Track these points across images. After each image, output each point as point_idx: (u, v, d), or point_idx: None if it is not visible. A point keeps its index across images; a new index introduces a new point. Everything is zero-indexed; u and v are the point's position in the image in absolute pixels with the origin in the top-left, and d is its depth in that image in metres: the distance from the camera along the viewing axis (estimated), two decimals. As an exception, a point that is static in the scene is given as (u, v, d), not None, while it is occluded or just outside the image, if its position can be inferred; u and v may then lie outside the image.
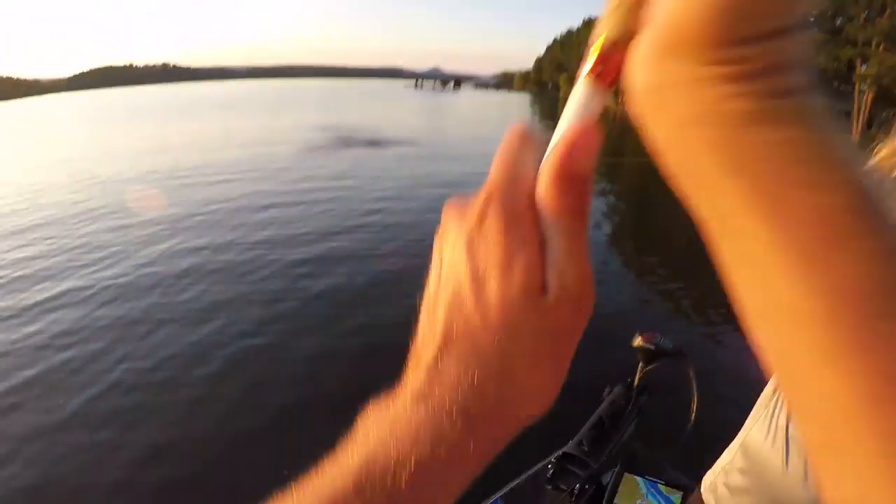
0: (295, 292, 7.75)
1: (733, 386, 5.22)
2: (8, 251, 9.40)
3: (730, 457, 1.44)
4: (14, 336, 6.51)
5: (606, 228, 12.40)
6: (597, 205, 13.63)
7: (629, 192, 17.11)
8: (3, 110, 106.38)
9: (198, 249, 9.38)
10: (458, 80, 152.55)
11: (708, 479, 1.50)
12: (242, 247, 9.51)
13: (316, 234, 10.26)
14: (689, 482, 2.62)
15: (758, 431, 1.34)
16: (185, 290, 7.72)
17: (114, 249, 9.33)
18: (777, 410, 1.28)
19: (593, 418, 2.91)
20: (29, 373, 5.73)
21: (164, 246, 9.60)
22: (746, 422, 1.40)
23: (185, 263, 8.71)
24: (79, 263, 8.84)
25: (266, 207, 12.24)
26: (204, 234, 10.22)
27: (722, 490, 1.45)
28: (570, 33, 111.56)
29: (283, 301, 7.40)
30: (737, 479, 1.41)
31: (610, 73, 0.34)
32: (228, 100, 79.77)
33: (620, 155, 21.07)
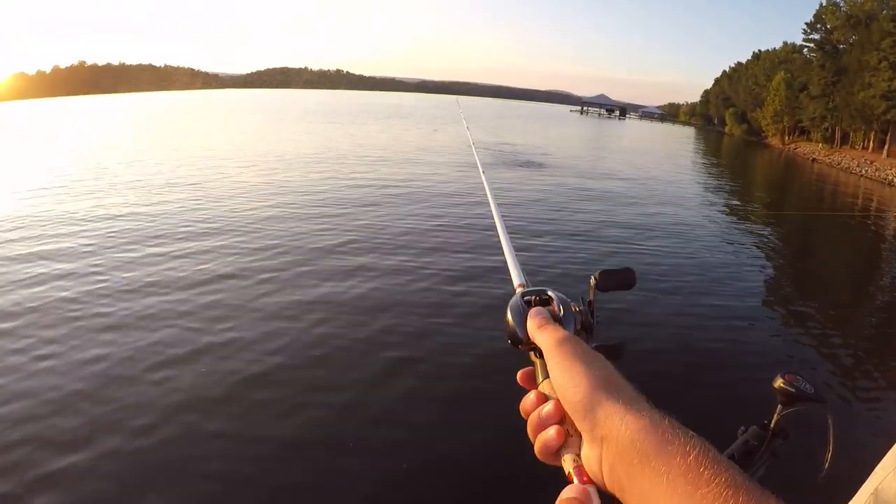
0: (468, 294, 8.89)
1: (870, 438, 5.53)
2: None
3: None
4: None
5: (764, 272, 12.78)
6: (756, 250, 14.32)
7: (788, 241, 17.14)
8: (185, 98, 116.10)
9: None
10: (624, 110, 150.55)
11: None
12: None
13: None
14: None
15: (893, 480, 1.10)
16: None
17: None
18: None
19: (725, 455, 3.60)
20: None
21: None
22: (877, 468, 1.16)
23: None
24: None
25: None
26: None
27: None
28: (738, 66, 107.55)
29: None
30: None
31: None
32: (400, 110, 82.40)
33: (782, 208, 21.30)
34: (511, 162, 27.36)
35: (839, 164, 50.17)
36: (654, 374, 6.66)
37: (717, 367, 7.37)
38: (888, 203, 29.14)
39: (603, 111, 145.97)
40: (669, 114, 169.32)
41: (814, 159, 56.66)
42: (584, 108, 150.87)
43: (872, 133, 52.82)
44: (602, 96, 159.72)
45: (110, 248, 10.58)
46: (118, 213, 13.33)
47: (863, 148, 54.92)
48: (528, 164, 27.08)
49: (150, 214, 13.31)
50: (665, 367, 7.09)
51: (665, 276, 10.80)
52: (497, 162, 26.43)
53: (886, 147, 48.10)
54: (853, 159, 49.13)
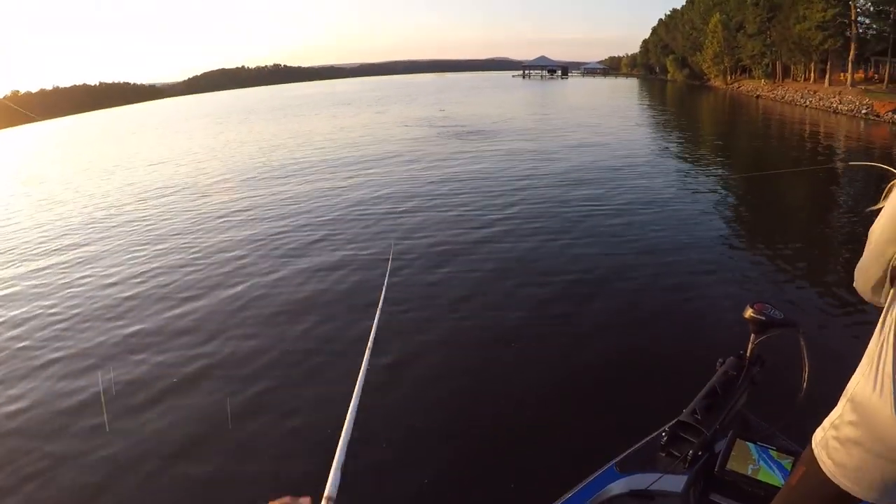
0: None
1: (843, 357, 6.56)
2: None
3: (839, 411, 1.52)
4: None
5: (725, 212, 13.04)
6: (713, 193, 14.75)
7: (746, 182, 17.40)
8: (131, 111, 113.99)
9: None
10: (566, 69, 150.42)
11: (818, 436, 1.59)
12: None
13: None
14: (799, 449, 2.62)
15: (865, 384, 1.41)
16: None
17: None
18: (882, 363, 1.36)
19: (706, 388, 3.09)
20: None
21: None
22: (853, 377, 1.49)
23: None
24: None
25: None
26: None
27: (833, 444, 1.51)
28: (674, 12, 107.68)
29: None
30: (847, 432, 1.47)
31: None
32: (342, 97, 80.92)
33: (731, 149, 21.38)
34: (459, 134, 26.86)
35: (783, 97, 50.42)
36: (630, 318, 6.94)
37: (690, 304, 7.46)
38: (835, 131, 29.29)
39: (545, 73, 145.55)
40: (611, 68, 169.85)
41: (758, 96, 56.87)
42: (526, 72, 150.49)
43: (812, 64, 53.11)
44: (542, 58, 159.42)
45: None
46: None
47: (805, 79, 55.21)
48: (479, 134, 26.69)
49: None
50: (639, 309, 7.26)
51: (631, 225, 10.98)
52: (446, 135, 25.95)
53: (828, 76, 48.42)
54: (797, 91, 49.39)
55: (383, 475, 4.33)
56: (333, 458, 0.99)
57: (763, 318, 3.03)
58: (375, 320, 1.80)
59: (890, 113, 30.66)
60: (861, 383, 1.44)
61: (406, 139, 25.58)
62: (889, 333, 1.38)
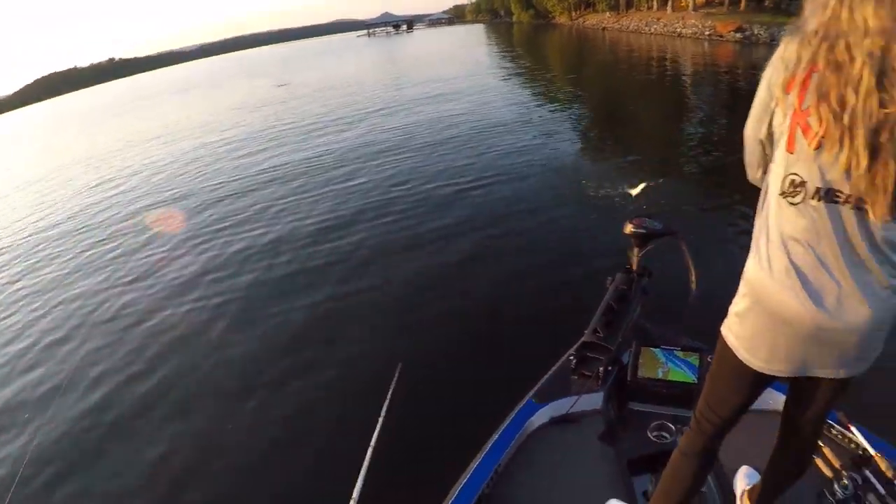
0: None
1: (727, 251, 6.06)
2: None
3: (738, 293, 1.69)
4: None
5: (589, 138, 13.61)
6: (571, 128, 14.74)
7: (601, 107, 17.64)
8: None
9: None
10: (411, 22, 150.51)
11: (725, 321, 1.75)
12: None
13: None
14: (701, 345, 2.88)
15: (752, 262, 1.61)
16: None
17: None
18: (763, 240, 1.57)
19: (602, 306, 3.22)
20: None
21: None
22: (747, 260, 1.65)
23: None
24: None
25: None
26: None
27: (733, 320, 1.69)
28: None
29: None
30: (741, 306, 1.66)
31: None
32: (182, 84, 77.01)
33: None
34: (309, 111, 24.86)
35: (628, 27, 51.75)
36: (520, 261, 6.91)
37: (573, 234, 7.56)
38: (681, 53, 29.89)
39: (390, 28, 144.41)
40: (456, 16, 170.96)
41: (604, 28, 58.22)
42: (371, 30, 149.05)
43: (654, -8, 54.65)
44: (386, 14, 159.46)
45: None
46: None
47: (648, 8, 56.74)
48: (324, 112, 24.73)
49: None
50: (527, 252, 7.23)
51: (501, 177, 10.52)
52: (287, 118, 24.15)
53: (670, 3, 49.89)
54: (641, 20, 50.75)
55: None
56: None
57: (643, 230, 3.24)
58: None
59: (732, 32, 31.79)
60: (750, 262, 1.62)
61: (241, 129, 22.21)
62: (765, 213, 1.57)
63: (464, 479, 2.46)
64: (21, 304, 8.27)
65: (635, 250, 3.38)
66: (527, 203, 8.85)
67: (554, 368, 3.06)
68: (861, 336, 1.52)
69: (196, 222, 10.33)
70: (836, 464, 2.39)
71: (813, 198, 1.45)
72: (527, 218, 8.26)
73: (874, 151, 1.32)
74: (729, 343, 1.70)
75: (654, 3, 55.13)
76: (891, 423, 3.09)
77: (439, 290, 6.57)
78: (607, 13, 65.15)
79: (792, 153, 1.46)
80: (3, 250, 11.33)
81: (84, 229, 11.48)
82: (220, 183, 12.81)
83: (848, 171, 1.37)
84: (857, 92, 1.31)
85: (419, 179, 10.65)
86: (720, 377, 1.84)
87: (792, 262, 1.52)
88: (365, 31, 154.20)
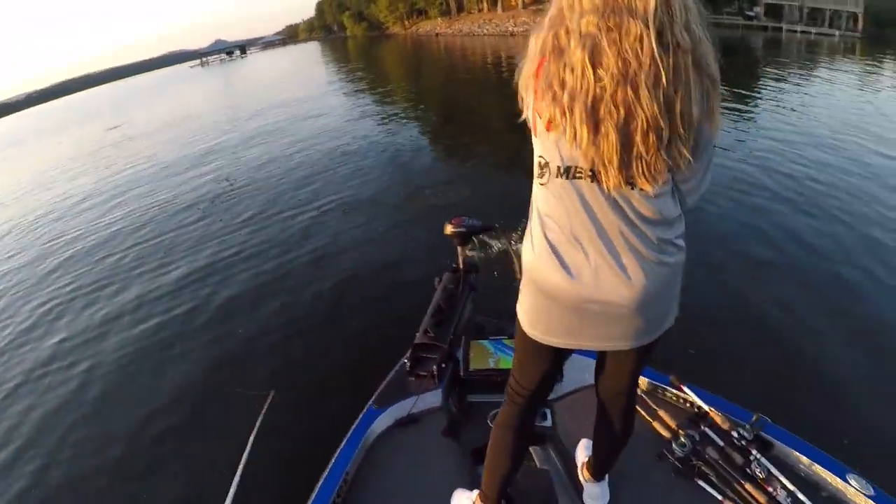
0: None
1: None
2: None
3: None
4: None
5: (420, 139, 13.98)
6: (415, 130, 15.06)
7: (442, 110, 18.10)
8: None
9: None
10: (244, 47, 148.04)
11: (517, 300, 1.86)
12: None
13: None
14: None
15: (525, 248, 1.71)
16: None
17: None
18: (531, 227, 1.68)
19: (431, 307, 3.29)
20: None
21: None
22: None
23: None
24: None
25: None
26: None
27: (520, 299, 1.80)
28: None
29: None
30: (523, 287, 1.76)
31: None
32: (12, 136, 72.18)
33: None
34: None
35: (462, 31, 52.53)
36: (350, 274, 6.87)
37: (396, 243, 7.60)
38: (514, 50, 30.28)
39: (224, 56, 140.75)
40: (290, 36, 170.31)
41: (437, 34, 58.82)
42: (203, 59, 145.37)
43: (483, -5, 55.65)
44: (219, 41, 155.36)
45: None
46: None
47: (479, 10, 57.73)
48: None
49: None
50: (355, 264, 7.20)
51: (331, 189, 10.45)
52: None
53: (500, 4, 50.92)
54: (473, 23, 51.80)
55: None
56: None
57: (463, 229, 3.32)
58: None
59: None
60: (525, 249, 1.71)
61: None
62: (532, 197, 1.67)
63: (315, 492, 2.42)
64: None
65: (459, 249, 3.49)
66: (359, 221, 8.71)
67: (391, 374, 3.10)
68: (629, 309, 1.58)
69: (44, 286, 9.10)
70: (673, 424, 2.49)
71: (558, 177, 1.53)
72: (358, 236, 8.17)
73: (596, 125, 1.38)
74: (521, 320, 1.80)
75: (485, 4, 56.20)
76: (724, 380, 3.63)
77: (276, 313, 6.34)
78: (439, 19, 65.89)
79: (536, 137, 1.56)
80: None
81: None
82: (61, 241, 11.30)
83: (578, 147, 1.43)
84: (573, 71, 1.37)
85: (259, 213, 10.01)
86: (520, 350, 1.93)
87: (548, 241, 1.60)
88: (198, 61, 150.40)
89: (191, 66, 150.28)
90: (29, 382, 6.13)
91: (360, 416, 2.86)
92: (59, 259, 9.91)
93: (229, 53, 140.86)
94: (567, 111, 1.41)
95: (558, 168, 1.53)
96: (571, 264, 1.57)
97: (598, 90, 1.35)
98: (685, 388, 2.62)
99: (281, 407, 3.94)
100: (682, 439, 2.39)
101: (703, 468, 2.29)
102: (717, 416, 2.45)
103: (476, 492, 2.23)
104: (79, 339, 6.86)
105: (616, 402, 2.01)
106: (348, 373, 4.76)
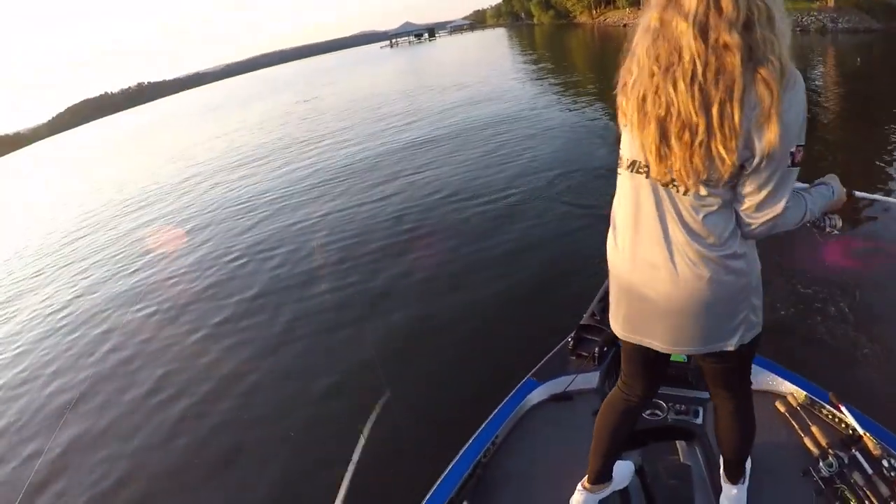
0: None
1: None
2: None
3: None
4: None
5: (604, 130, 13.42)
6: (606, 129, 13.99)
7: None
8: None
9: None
10: (432, 30, 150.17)
11: None
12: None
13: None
14: None
15: (609, 244, 1.87)
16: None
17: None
18: (615, 225, 1.81)
19: (601, 291, 3.48)
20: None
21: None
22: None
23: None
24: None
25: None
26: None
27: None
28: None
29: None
30: (611, 284, 1.92)
31: None
32: (208, 105, 75.65)
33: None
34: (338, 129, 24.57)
35: (650, 22, 51.22)
36: (524, 252, 7.38)
37: (573, 224, 8.04)
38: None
39: (412, 38, 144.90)
40: (477, 21, 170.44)
41: (625, 24, 57.65)
42: (393, 40, 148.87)
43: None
44: (407, 24, 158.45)
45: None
46: None
47: (669, 1, 56.40)
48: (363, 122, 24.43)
49: None
50: (531, 243, 7.65)
51: (523, 174, 10.94)
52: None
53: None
54: (662, 14, 50.30)
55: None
56: None
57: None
58: None
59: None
60: (609, 244, 1.84)
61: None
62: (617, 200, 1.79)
63: (463, 449, 2.69)
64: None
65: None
66: (538, 208, 8.96)
67: (554, 350, 3.29)
68: (658, 306, 1.70)
69: (238, 239, 10.64)
70: (824, 443, 2.46)
71: (627, 169, 1.67)
72: (535, 222, 8.39)
73: (644, 116, 1.50)
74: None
75: (676, -5, 54.76)
76: (884, 403, 3.40)
77: (458, 284, 6.89)
78: (627, 9, 64.85)
79: (621, 133, 1.70)
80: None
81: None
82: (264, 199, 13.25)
83: (634, 139, 1.58)
84: (638, 63, 1.50)
85: (434, 197, 10.62)
86: (623, 350, 2.10)
87: (614, 228, 1.81)
88: (388, 42, 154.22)
89: (381, 47, 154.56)
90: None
91: (519, 385, 3.08)
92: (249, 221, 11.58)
93: (418, 36, 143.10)
94: (627, 102, 1.58)
95: (627, 161, 1.68)
96: (622, 246, 1.76)
97: (649, 83, 1.46)
98: (843, 408, 2.54)
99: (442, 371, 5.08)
100: (831, 459, 2.37)
101: (846, 493, 2.25)
102: (870, 442, 2.36)
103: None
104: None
105: (718, 401, 2.10)
106: (511, 347, 5.11)
